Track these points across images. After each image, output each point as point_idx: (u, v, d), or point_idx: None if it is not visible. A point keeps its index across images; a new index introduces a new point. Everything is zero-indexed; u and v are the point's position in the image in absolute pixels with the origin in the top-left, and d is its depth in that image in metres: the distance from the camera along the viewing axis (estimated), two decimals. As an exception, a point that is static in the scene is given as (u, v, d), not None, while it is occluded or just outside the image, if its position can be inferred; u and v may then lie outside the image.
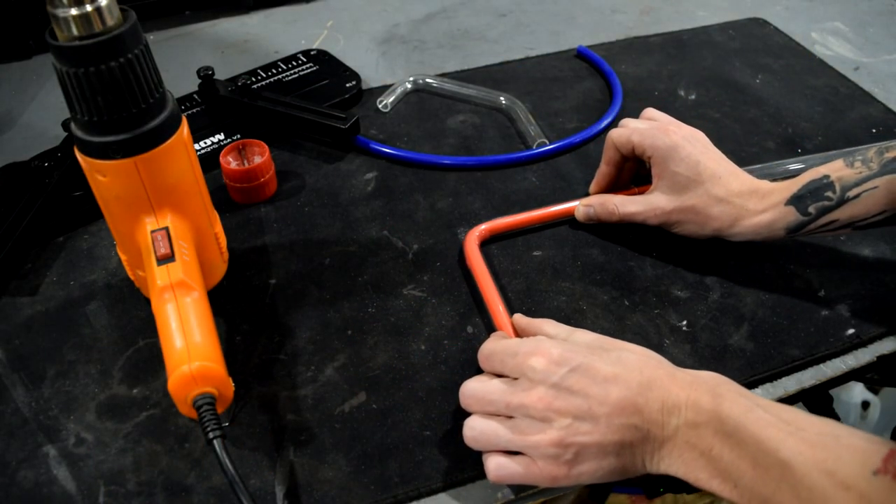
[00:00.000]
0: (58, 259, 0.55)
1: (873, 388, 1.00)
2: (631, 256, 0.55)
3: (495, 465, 0.38)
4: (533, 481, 0.38)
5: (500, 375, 0.40)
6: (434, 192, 0.61)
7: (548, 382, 0.37)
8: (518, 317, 0.47)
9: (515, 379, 0.39)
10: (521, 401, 0.37)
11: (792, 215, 0.48)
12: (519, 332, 0.46)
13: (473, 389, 0.40)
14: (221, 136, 0.64)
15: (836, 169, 0.47)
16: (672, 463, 0.36)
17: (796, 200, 0.47)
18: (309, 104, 0.65)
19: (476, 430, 0.39)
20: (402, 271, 0.54)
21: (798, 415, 0.34)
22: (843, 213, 0.46)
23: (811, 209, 0.47)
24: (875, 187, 0.45)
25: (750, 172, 0.52)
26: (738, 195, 0.49)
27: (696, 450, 0.35)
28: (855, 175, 0.46)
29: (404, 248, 0.56)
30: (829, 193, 0.46)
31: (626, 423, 0.36)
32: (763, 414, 0.34)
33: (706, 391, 0.36)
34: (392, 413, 0.44)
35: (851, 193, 0.46)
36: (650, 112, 0.57)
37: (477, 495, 0.41)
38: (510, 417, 0.38)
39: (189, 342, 0.38)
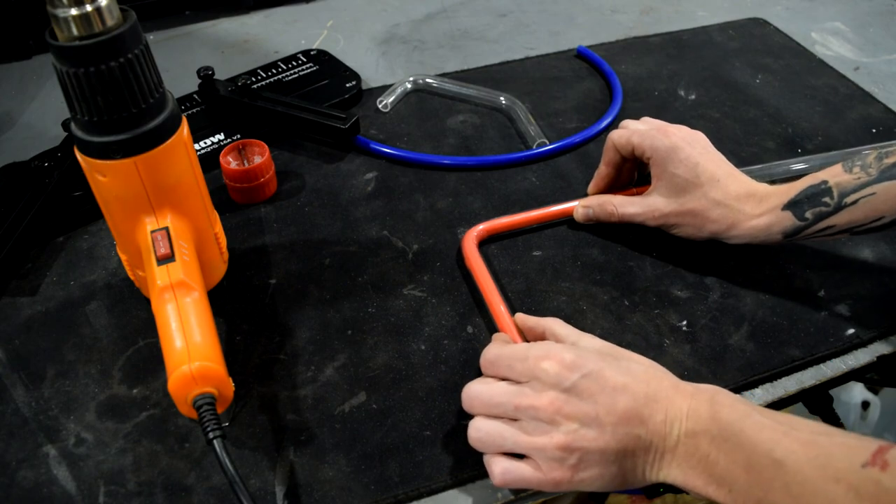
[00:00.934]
0: (58, 259, 0.55)
1: (873, 388, 1.00)
2: (631, 256, 0.55)
3: (501, 470, 0.38)
4: (537, 485, 0.38)
5: (502, 379, 0.40)
6: (434, 192, 0.61)
7: (560, 387, 0.37)
8: (521, 316, 0.46)
9: (520, 382, 0.39)
10: (531, 403, 0.37)
11: (789, 220, 0.48)
12: (525, 332, 0.46)
13: (479, 391, 0.40)
14: (221, 136, 0.64)
15: (834, 174, 0.47)
16: (671, 472, 0.36)
17: (793, 205, 0.47)
18: (309, 104, 0.65)
19: (482, 431, 0.39)
20: (402, 271, 0.54)
21: (793, 418, 0.34)
22: (840, 219, 0.46)
23: (808, 214, 0.47)
24: (873, 193, 0.45)
25: (749, 173, 0.52)
26: (736, 199, 0.49)
27: (694, 458, 0.35)
28: (853, 181, 0.45)
29: (404, 248, 0.56)
30: (826, 199, 0.46)
31: (631, 433, 0.36)
32: (760, 418, 0.34)
33: (705, 400, 0.36)
34: (392, 413, 0.44)
35: (849, 199, 0.45)
36: (647, 120, 0.57)
37: (477, 495, 0.41)
38: (514, 420, 0.38)
39: (189, 342, 0.38)
